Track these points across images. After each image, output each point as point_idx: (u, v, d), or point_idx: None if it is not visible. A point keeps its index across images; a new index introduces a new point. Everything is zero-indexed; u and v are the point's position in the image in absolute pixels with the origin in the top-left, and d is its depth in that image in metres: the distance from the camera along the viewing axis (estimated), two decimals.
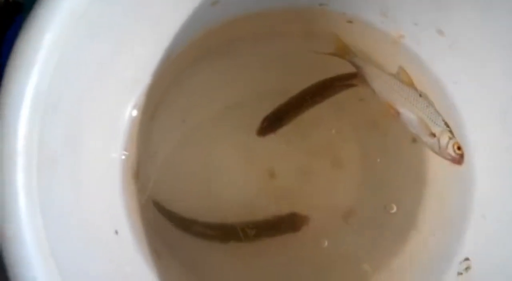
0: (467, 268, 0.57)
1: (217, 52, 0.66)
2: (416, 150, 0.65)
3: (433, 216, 0.64)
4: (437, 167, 0.64)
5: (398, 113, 0.57)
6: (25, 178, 0.37)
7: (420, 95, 0.57)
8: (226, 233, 0.65)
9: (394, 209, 0.65)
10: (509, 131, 0.57)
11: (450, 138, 0.55)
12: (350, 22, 0.64)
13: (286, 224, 0.65)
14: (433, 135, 0.55)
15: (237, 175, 0.67)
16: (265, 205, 0.66)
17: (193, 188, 0.66)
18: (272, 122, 0.65)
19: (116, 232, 0.55)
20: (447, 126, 0.56)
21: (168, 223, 0.64)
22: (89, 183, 0.52)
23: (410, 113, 0.57)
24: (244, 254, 0.65)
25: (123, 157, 0.60)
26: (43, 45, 0.38)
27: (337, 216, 0.66)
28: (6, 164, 0.36)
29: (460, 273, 0.57)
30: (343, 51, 0.62)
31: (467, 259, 0.58)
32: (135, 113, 0.61)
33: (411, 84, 0.58)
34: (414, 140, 0.64)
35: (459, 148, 0.55)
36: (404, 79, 0.58)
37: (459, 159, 0.55)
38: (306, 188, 0.66)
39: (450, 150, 0.55)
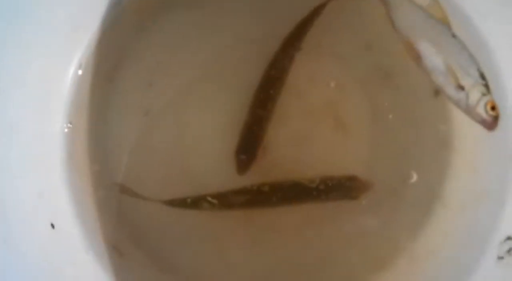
0: (510, 250, 0.48)
1: (176, 4, 0.58)
2: (438, 107, 0.55)
3: (463, 189, 0.54)
4: (467, 129, 0.54)
5: (420, 57, 0.47)
6: None
7: (454, 36, 0.47)
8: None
9: (414, 178, 0.55)
10: None
11: (483, 94, 0.46)
12: None
13: (345, 189, 0.56)
14: (462, 87, 0.46)
15: (217, 144, 0.58)
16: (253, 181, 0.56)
17: (167, 167, 0.58)
18: (248, 153, 0.57)
19: (53, 226, 0.45)
20: (483, 78, 0.46)
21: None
22: (20, 159, 0.46)
23: (436, 57, 0.47)
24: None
25: (66, 130, 0.52)
26: None
27: None
28: None
29: (500, 257, 0.49)
30: None
31: (509, 238, 0.49)
32: (80, 72, 0.52)
33: (444, 20, 0.48)
34: (437, 93, 0.54)
35: (493, 108, 0.46)
36: (436, 14, 0.48)
37: (491, 122, 0.46)
38: (304, 158, 0.57)
39: (481, 110, 0.46)
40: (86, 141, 0.53)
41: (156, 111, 0.58)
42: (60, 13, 0.47)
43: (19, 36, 0.42)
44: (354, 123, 0.57)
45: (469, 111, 0.46)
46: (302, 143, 0.57)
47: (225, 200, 0.57)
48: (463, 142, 0.55)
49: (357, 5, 0.55)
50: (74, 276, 0.47)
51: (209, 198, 0.56)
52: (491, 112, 0.45)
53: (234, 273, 0.57)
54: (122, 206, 0.56)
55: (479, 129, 0.46)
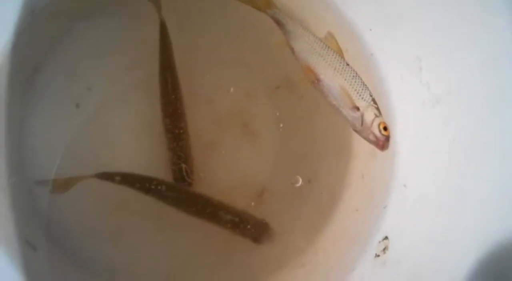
0: (385, 249, 0.52)
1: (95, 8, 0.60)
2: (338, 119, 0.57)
3: (356, 191, 0.58)
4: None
5: (318, 80, 0.50)
6: None
7: (347, 65, 0.51)
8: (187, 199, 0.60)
9: (300, 183, 0.59)
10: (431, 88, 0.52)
11: (376, 115, 0.49)
12: None
13: (253, 229, 0.59)
14: (357, 108, 0.49)
15: (131, 145, 0.60)
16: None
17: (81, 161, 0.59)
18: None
19: None
20: (375, 102, 0.50)
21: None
22: None
23: (332, 81, 0.50)
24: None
25: None
26: None
27: (250, 195, 0.59)
28: None
29: (377, 255, 0.53)
30: (265, 2, 0.54)
31: (386, 238, 0.53)
32: None
33: (338, 51, 0.51)
34: None
35: (385, 128, 0.49)
36: (331, 45, 0.52)
37: (384, 142, 0.49)
38: (211, 162, 0.60)
39: (375, 130, 0.49)
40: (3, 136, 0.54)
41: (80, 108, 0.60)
42: None
43: None
44: (261, 131, 0.60)
45: (363, 130, 0.49)
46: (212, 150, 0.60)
47: (156, 188, 0.58)
48: (359, 149, 0.59)
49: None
50: None
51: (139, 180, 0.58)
52: (384, 132, 0.48)
53: (143, 267, 0.59)
54: (36, 202, 0.56)
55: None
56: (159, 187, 0.58)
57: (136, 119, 0.60)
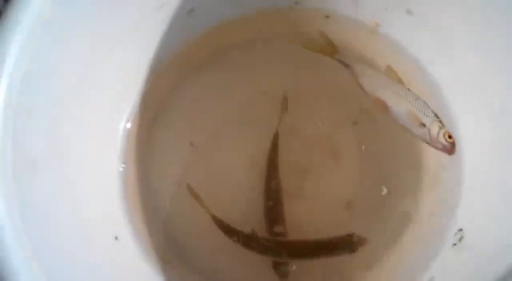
0: (461, 238, 0.59)
1: (207, 63, 0.68)
2: (408, 140, 0.66)
3: (429, 197, 0.65)
4: (432, 152, 0.64)
5: (387, 107, 0.58)
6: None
7: (409, 89, 0.58)
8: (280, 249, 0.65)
9: (384, 191, 0.66)
10: (489, 104, 0.58)
11: (440, 128, 0.55)
12: (327, 17, 0.66)
13: (344, 244, 0.65)
14: (423, 125, 0.56)
15: (243, 182, 0.67)
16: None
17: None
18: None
19: (116, 238, 0.57)
20: (437, 116, 0.56)
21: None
22: (85, 190, 0.54)
23: (399, 107, 0.57)
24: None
25: (121, 169, 0.63)
26: (10, 53, 0.40)
27: (340, 206, 0.66)
28: None
29: (454, 244, 0.59)
30: (331, 49, 0.62)
31: (461, 229, 0.59)
32: (129, 125, 0.64)
33: (399, 80, 0.59)
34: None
35: (450, 136, 0.55)
36: (392, 76, 0.59)
37: (450, 148, 0.55)
38: (307, 184, 0.67)
39: (442, 139, 0.55)
40: (136, 176, 0.64)
41: (193, 152, 0.67)
42: (111, 82, 0.57)
43: (83, 95, 0.51)
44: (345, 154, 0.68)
45: (432, 142, 0.55)
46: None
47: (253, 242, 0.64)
48: (429, 162, 0.66)
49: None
50: (136, 277, 0.58)
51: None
52: (449, 140, 0.54)
53: None
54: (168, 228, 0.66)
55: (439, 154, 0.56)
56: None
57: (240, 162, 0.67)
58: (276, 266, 0.65)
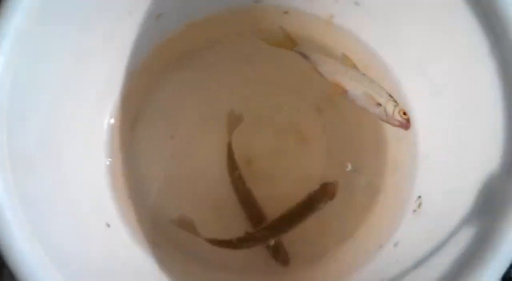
0: (420, 205, 0.65)
1: (178, 62, 0.74)
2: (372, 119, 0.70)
3: (391, 170, 0.72)
4: (390, 129, 0.69)
5: (345, 91, 0.63)
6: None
7: (364, 74, 0.63)
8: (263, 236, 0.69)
9: (349, 167, 0.73)
10: (433, 82, 0.64)
11: (395, 106, 0.61)
12: (286, 13, 0.72)
13: (322, 195, 0.69)
14: (380, 105, 0.61)
15: (220, 170, 0.72)
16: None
17: (184, 193, 0.72)
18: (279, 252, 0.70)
19: (108, 225, 0.63)
20: (391, 96, 0.62)
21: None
22: (76, 183, 0.60)
23: (356, 90, 0.62)
24: None
25: (108, 163, 0.69)
26: None
27: (311, 185, 0.71)
28: None
29: (414, 210, 0.65)
30: (290, 42, 0.67)
31: (419, 197, 0.66)
32: (112, 121, 0.70)
33: (354, 66, 0.64)
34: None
35: (404, 113, 0.61)
36: (347, 63, 0.64)
37: (406, 123, 0.61)
38: (278, 167, 0.73)
39: (397, 116, 0.60)
40: (121, 171, 0.69)
41: (173, 146, 0.73)
42: (94, 85, 0.62)
43: (70, 98, 0.57)
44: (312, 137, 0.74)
45: (388, 119, 0.60)
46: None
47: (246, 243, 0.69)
48: (387, 140, 0.72)
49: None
50: (127, 258, 0.62)
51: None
52: (404, 116, 0.60)
53: None
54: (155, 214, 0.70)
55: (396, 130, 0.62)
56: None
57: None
58: (275, 255, 0.69)
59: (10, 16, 0.45)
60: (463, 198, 0.53)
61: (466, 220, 0.51)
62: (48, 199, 0.52)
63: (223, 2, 0.70)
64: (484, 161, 0.52)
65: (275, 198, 0.72)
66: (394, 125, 0.62)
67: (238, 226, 0.70)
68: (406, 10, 0.61)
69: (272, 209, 0.71)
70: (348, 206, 0.72)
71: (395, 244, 0.65)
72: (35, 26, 0.47)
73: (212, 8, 0.70)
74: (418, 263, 0.55)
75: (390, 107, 0.61)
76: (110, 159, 0.69)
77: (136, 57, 0.67)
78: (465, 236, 0.49)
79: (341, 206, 0.72)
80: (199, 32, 0.72)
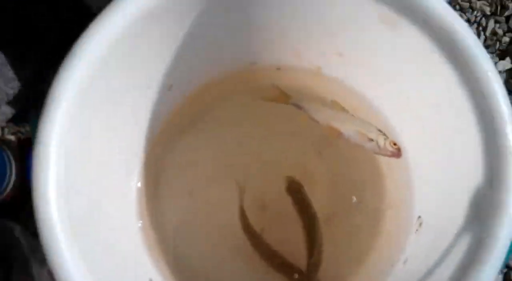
0: (420, 224, 0.71)
1: (189, 126, 0.82)
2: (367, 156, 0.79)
3: (391, 195, 0.80)
4: (384, 159, 0.77)
5: (340, 133, 0.70)
6: (64, 238, 0.52)
7: (353, 115, 0.72)
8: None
9: (354, 199, 0.80)
10: (417, 114, 0.72)
11: (385, 139, 0.68)
12: (278, 69, 0.81)
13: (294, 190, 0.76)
14: (371, 140, 0.69)
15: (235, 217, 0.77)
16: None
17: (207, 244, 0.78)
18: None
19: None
20: (380, 131, 0.69)
21: None
22: (117, 245, 0.67)
23: (349, 130, 0.70)
24: None
25: (139, 225, 0.76)
26: (51, 147, 0.53)
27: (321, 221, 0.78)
28: (48, 230, 0.52)
29: (416, 230, 0.71)
30: (284, 97, 0.76)
31: (419, 217, 0.72)
32: (139, 184, 0.77)
33: (344, 110, 0.72)
34: None
35: (394, 144, 0.68)
36: (338, 108, 0.73)
37: (397, 152, 0.68)
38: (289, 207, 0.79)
39: (388, 147, 0.68)
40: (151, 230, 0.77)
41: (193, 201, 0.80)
42: (123, 153, 0.70)
43: (107, 167, 0.64)
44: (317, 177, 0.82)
45: (381, 151, 0.67)
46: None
47: None
48: (388, 169, 0.80)
49: None
50: None
51: None
52: (394, 146, 0.67)
53: None
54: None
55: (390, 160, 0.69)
56: None
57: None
58: None
59: (59, 100, 0.53)
60: (456, 212, 0.59)
61: (462, 232, 0.57)
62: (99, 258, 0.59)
63: (223, 67, 0.79)
64: (469, 178, 0.58)
65: (289, 235, 0.79)
66: (387, 156, 0.69)
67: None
68: (384, 55, 0.69)
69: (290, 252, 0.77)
70: (358, 233, 0.80)
71: (404, 262, 0.72)
72: (81, 110, 0.55)
73: (214, 73, 0.79)
74: (426, 275, 0.61)
75: (381, 141, 0.68)
76: (141, 221, 0.76)
77: (153, 125, 0.75)
78: (462, 246, 0.56)
79: (352, 234, 0.80)
80: (204, 96, 0.81)
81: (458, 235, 0.58)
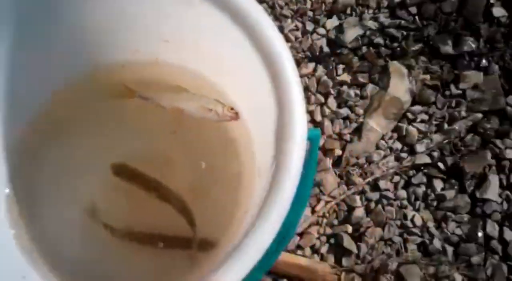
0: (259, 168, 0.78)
1: (56, 132, 0.85)
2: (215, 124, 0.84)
3: (238, 155, 0.86)
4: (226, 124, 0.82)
5: (182, 111, 0.79)
6: None
7: (194, 94, 0.80)
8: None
9: (204, 165, 0.85)
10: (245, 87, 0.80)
11: (223, 106, 0.77)
12: (123, 66, 0.88)
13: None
14: (211, 109, 0.76)
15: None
16: None
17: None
18: None
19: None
20: (218, 101, 0.78)
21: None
22: None
23: (190, 107, 0.79)
24: None
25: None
26: None
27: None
28: None
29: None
30: (130, 92, 0.84)
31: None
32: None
33: (182, 90, 0.81)
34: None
35: (232, 108, 0.77)
36: (181, 90, 0.82)
37: (235, 116, 0.77)
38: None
39: (227, 113, 0.76)
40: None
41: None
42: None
43: None
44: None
45: (222, 117, 0.75)
46: None
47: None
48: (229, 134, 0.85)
49: None
50: None
51: None
52: (232, 111, 0.76)
53: None
54: None
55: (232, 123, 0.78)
56: None
57: None
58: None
59: None
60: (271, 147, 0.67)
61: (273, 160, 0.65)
62: None
63: (69, 73, 0.85)
64: (271, 112, 0.66)
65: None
66: (227, 120, 0.78)
67: None
68: (199, 33, 0.79)
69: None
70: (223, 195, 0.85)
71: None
72: None
73: (61, 82, 0.86)
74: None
75: (219, 109, 0.77)
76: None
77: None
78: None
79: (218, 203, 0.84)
80: (58, 104, 0.86)
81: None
